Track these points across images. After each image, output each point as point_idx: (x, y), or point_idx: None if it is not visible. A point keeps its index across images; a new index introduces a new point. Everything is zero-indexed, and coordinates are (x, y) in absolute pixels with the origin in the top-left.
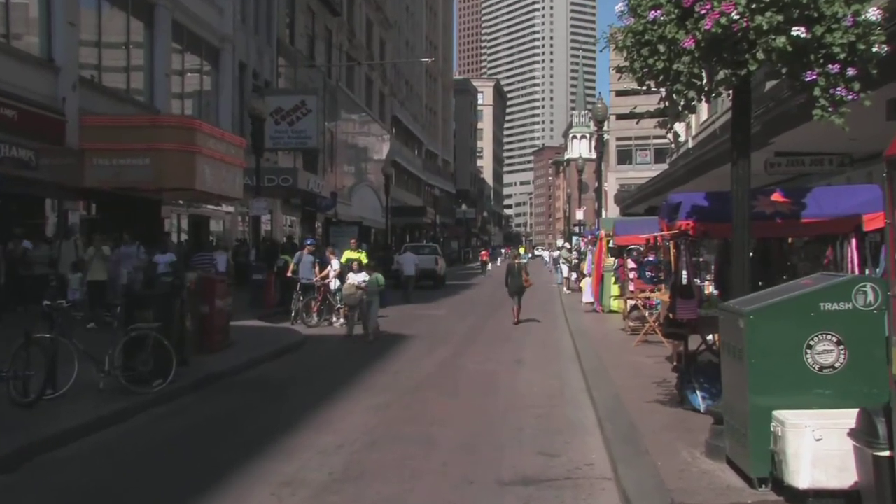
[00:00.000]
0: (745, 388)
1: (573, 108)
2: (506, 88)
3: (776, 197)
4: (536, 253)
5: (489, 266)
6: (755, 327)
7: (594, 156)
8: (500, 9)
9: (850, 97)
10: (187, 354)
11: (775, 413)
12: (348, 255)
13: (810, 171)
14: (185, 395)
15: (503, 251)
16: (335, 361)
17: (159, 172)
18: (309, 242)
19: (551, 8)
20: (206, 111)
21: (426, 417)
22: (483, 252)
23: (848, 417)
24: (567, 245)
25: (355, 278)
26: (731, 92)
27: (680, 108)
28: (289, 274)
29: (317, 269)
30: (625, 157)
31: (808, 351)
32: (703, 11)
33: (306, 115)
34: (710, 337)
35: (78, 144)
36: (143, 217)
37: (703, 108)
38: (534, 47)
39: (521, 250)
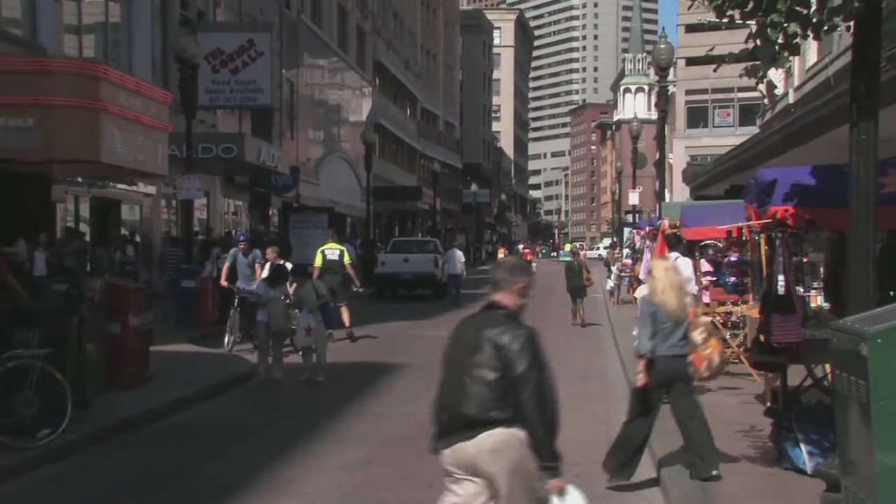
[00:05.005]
0: (870, 441)
1: (626, 51)
2: (532, 23)
3: None
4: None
5: (533, 267)
6: (884, 355)
7: (655, 116)
8: None
9: None
10: (89, 392)
11: None
12: (330, 245)
13: None
14: (85, 449)
15: (520, 246)
16: (296, 400)
17: (48, 138)
18: (242, 238)
19: None
20: (115, 53)
21: (421, 477)
22: (526, 250)
23: None
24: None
25: (277, 292)
26: (851, 24)
27: (777, 48)
28: (222, 282)
29: (259, 272)
30: (698, 117)
31: None
32: None
33: (256, 59)
34: (818, 368)
35: None
36: (26, 200)
37: (811, 47)
38: None
39: (567, 247)
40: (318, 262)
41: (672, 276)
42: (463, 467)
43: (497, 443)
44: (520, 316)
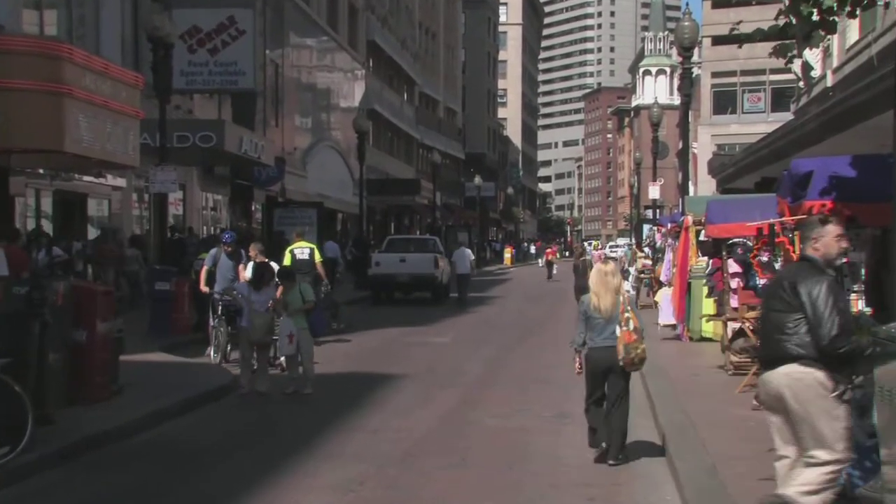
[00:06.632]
0: None
1: (645, 29)
2: None
3: None
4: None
5: (555, 268)
6: None
7: (677, 101)
8: None
9: None
10: (52, 406)
11: None
12: (299, 243)
13: None
14: (47, 469)
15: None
16: (282, 415)
17: (5, 125)
18: (227, 239)
19: None
20: (81, 31)
21: (418, 499)
22: (548, 249)
23: None
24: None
25: (262, 295)
26: None
27: (812, 24)
28: (202, 286)
29: (242, 274)
30: (725, 102)
31: None
32: None
33: (237, 38)
34: (858, 380)
35: None
36: None
37: (852, 24)
38: None
39: (595, 245)
40: (287, 262)
41: (608, 279)
42: (770, 397)
43: (793, 376)
44: (825, 265)
